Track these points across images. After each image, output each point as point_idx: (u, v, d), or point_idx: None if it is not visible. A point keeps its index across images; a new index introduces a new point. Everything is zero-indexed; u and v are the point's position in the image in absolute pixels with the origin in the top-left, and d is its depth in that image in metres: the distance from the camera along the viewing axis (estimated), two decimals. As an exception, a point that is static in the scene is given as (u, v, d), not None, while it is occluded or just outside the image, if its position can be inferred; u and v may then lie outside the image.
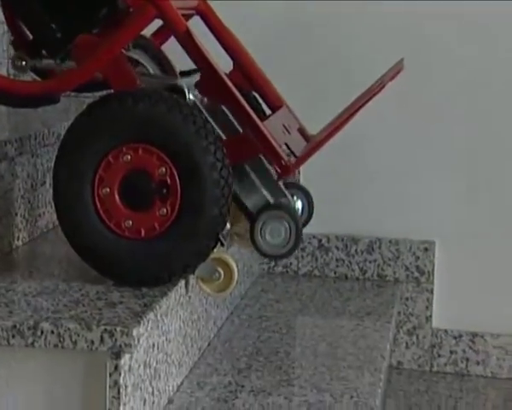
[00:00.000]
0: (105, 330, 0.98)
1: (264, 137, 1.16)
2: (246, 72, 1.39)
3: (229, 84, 1.16)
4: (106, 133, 1.12)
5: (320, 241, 1.92)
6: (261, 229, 1.19)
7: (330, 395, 1.26)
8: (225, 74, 1.18)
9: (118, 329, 0.98)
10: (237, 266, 1.19)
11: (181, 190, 1.11)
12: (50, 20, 1.17)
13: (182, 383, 1.28)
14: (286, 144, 1.25)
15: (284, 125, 1.32)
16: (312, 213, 1.42)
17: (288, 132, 1.31)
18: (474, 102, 1.87)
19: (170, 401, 1.21)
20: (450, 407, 1.69)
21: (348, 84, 1.76)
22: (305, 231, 1.94)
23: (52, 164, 1.46)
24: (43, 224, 1.43)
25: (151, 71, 1.28)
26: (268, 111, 1.41)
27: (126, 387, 1.02)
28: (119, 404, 1.00)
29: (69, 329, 0.99)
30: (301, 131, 1.40)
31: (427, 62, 1.85)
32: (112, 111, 1.12)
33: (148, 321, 1.04)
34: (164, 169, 1.11)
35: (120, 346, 0.98)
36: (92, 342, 0.98)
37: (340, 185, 1.92)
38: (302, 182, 1.92)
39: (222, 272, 1.17)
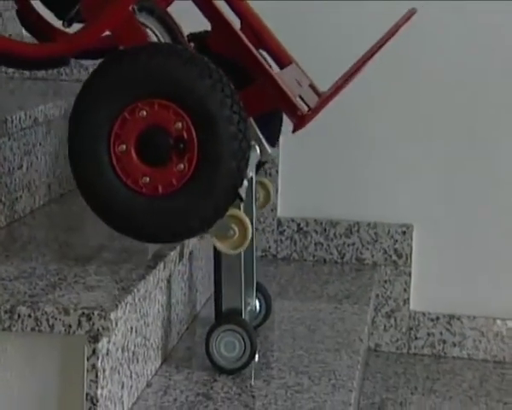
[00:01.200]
0: (82, 313, 0.98)
1: (280, 89, 1.14)
2: (253, 30, 1.37)
3: (243, 37, 1.14)
4: (120, 90, 1.10)
5: (299, 225, 1.92)
6: (216, 342, 1.21)
7: (308, 377, 1.26)
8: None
9: (95, 313, 0.98)
10: (251, 224, 1.18)
11: (198, 145, 1.10)
12: None
13: (160, 367, 1.28)
14: (300, 96, 1.23)
15: (296, 80, 1.30)
16: (270, 311, 1.42)
17: (300, 86, 1.29)
18: (453, 87, 1.88)
19: (148, 385, 1.22)
20: (427, 388, 1.71)
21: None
22: (284, 215, 1.96)
23: (29, 147, 1.44)
24: (21, 208, 1.42)
25: (158, 34, 1.24)
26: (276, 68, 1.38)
27: (104, 371, 1.02)
28: (96, 388, 1.00)
29: (46, 313, 0.99)
30: (312, 86, 1.38)
31: (414, 43, 1.85)
32: (126, 67, 1.10)
33: (126, 305, 1.04)
34: (180, 124, 1.09)
35: (98, 330, 0.98)
36: (70, 326, 0.98)
37: (319, 169, 1.92)
38: (281, 167, 1.92)
39: (236, 230, 1.16)
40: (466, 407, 1.63)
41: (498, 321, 1.86)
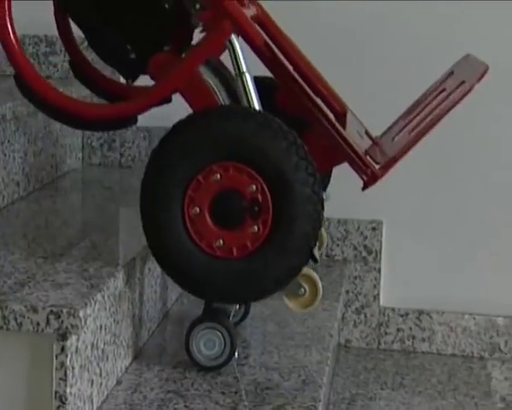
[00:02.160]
0: (51, 311, 0.98)
1: (351, 147, 1.15)
2: (307, 78, 1.36)
3: (311, 94, 1.15)
4: (194, 153, 1.10)
5: (269, 221, 1.93)
6: (195, 340, 1.21)
7: (279, 373, 1.27)
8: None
9: (64, 310, 0.98)
10: (322, 283, 1.20)
11: (273, 208, 1.11)
12: (125, 42, 1.14)
13: (130, 365, 1.27)
14: (366, 151, 1.24)
15: (358, 132, 1.31)
16: (249, 309, 1.42)
17: (362, 138, 1.30)
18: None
19: (118, 383, 1.21)
20: (396, 383, 1.72)
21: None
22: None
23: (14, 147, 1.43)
24: (-11, 205, 1.41)
25: (212, 84, 1.20)
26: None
27: (73, 368, 1.01)
28: (65, 386, 0.99)
29: (14, 311, 0.98)
30: (367, 133, 1.38)
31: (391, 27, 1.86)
32: (200, 130, 1.10)
33: (96, 302, 1.04)
34: (255, 187, 1.10)
35: (67, 327, 0.98)
36: (38, 324, 0.98)
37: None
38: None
39: (307, 288, 1.17)
40: (435, 401, 1.65)
41: (467, 316, 1.88)
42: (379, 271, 1.90)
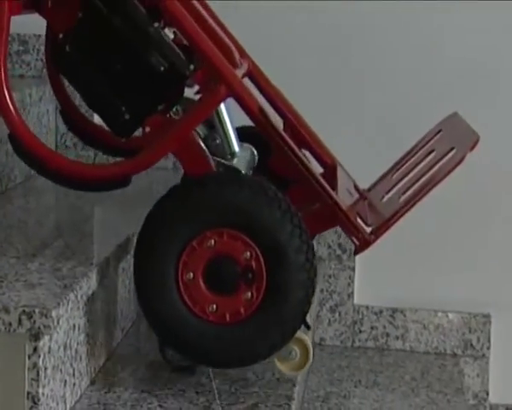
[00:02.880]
0: (23, 311, 0.97)
1: (343, 213, 1.15)
2: (296, 130, 1.37)
3: (305, 160, 1.16)
4: (189, 220, 1.11)
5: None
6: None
7: (253, 372, 1.27)
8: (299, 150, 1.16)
9: (36, 310, 0.97)
10: (312, 346, 1.21)
11: (267, 274, 1.12)
12: (119, 103, 1.14)
13: (104, 364, 1.27)
14: (358, 213, 1.24)
15: (347, 190, 1.31)
16: None
17: (351, 196, 1.30)
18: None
19: (92, 383, 1.21)
20: (370, 381, 1.73)
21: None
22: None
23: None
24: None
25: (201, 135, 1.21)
26: (317, 166, 1.38)
27: (46, 369, 1.01)
28: (38, 386, 0.99)
29: (-14, 311, 0.98)
30: (355, 187, 1.38)
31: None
32: (195, 197, 1.11)
33: (69, 302, 1.03)
34: (249, 253, 1.11)
35: (39, 328, 0.97)
36: (10, 324, 0.97)
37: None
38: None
39: (298, 352, 1.18)
40: (408, 398, 1.66)
41: (440, 313, 1.90)
42: (353, 269, 1.92)
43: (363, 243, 1.19)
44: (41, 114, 1.75)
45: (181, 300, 1.12)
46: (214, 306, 1.12)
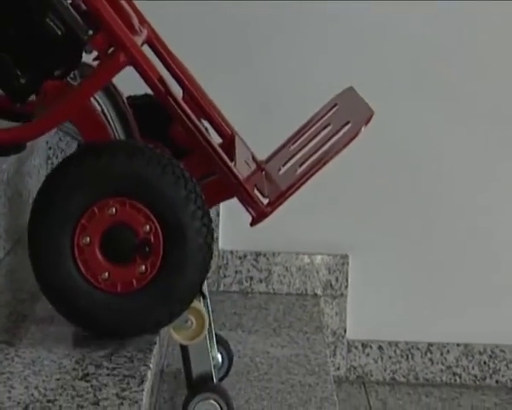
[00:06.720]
0: None
1: (240, 184, 1.16)
2: (195, 100, 1.36)
3: (203, 130, 1.15)
4: (94, 184, 1.09)
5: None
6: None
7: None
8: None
9: None
10: (208, 314, 1.21)
11: (163, 251, 1.11)
12: (15, 66, 1.10)
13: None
14: (255, 186, 1.23)
15: (246, 161, 1.30)
16: (232, 361, 1.43)
17: (249, 167, 1.30)
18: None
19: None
20: (234, 323, 1.78)
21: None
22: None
23: None
24: None
25: (109, 118, 1.19)
26: (216, 137, 1.36)
27: None
28: None
29: None
30: (254, 158, 1.37)
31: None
32: (103, 163, 1.09)
33: None
34: (149, 227, 1.10)
35: None
36: None
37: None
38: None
39: (194, 320, 1.18)
40: (269, 338, 1.72)
41: (301, 255, 1.96)
42: (218, 214, 1.94)
43: (260, 214, 1.21)
44: None
45: (74, 263, 1.11)
46: (106, 274, 1.12)
